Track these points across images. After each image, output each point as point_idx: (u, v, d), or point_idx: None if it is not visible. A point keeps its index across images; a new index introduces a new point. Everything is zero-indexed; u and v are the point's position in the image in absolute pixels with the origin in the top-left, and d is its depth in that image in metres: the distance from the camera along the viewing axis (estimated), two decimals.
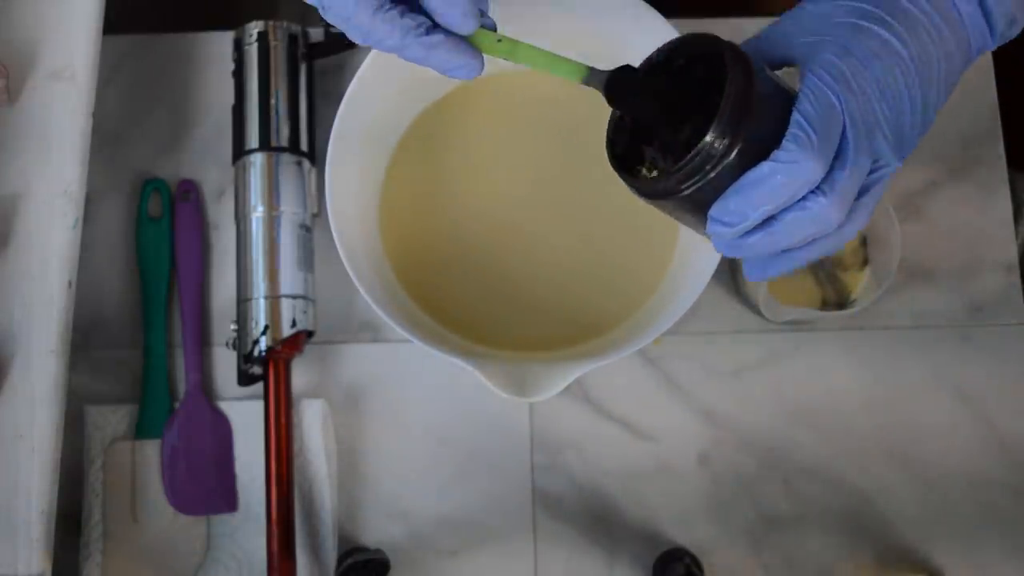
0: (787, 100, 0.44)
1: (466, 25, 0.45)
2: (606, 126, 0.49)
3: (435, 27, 0.45)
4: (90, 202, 0.69)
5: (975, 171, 0.75)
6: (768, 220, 0.43)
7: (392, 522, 0.70)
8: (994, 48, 0.49)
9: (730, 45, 0.44)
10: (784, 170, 0.42)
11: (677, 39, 0.46)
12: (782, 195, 0.42)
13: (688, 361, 0.72)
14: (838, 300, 0.70)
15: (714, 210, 0.43)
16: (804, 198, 0.43)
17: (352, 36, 0.46)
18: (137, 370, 0.71)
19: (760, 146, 0.42)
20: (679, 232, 0.69)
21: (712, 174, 0.42)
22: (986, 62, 0.76)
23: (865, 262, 0.71)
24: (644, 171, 0.47)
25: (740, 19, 0.77)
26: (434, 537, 0.70)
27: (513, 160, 0.71)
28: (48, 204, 0.64)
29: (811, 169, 0.42)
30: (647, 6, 0.64)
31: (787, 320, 0.72)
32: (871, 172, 0.45)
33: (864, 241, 0.71)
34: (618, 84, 0.46)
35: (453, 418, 0.71)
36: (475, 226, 0.70)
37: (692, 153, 0.42)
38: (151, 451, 0.69)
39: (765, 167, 0.42)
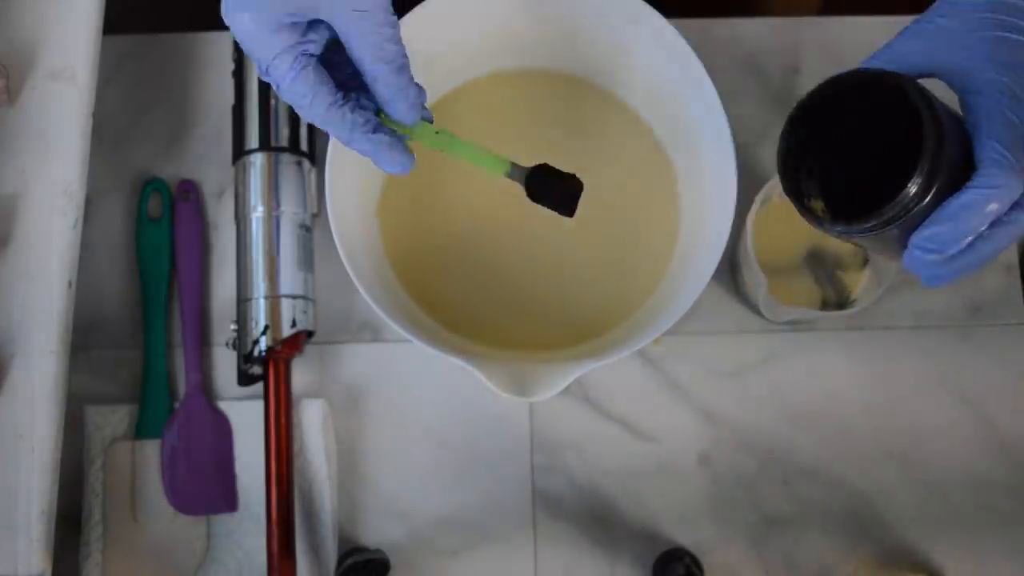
0: (957, 122, 0.46)
1: (411, 116, 0.50)
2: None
3: (380, 126, 0.50)
4: (90, 202, 0.69)
5: None
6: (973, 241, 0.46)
7: (392, 522, 0.70)
8: None
9: (911, 81, 0.45)
10: (995, 195, 0.44)
11: (847, 73, 0.47)
12: (991, 218, 0.44)
13: (688, 361, 0.72)
14: (838, 300, 0.70)
15: (920, 240, 0.45)
16: (1007, 214, 0.45)
17: (306, 120, 0.51)
18: (137, 370, 0.71)
19: (951, 177, 0.44)
20: (679, 232, 0.69)
21: (907, 216, 0.45)
22: None
23: (865, 262, 0.71)
24: (809, 202, 0.49)
25: (739, 19, 0.77)
26: (434, 537, 0.70)
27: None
28: (48, 204, 0.64)
29: (1017, 188, 0.44)
30: (647, 6, 0.64)
31: (787, 320, 0.72)
32: None
33: None
34: (535, 181, 0.54)
35: (453, 418, 0.71)
36: (475, 226, 0.70)
37: (894, 203, 0.44)
38: (151, 451, 0.69)
39: (975, 194, 0.44)
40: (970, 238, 0.45)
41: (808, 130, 0.49)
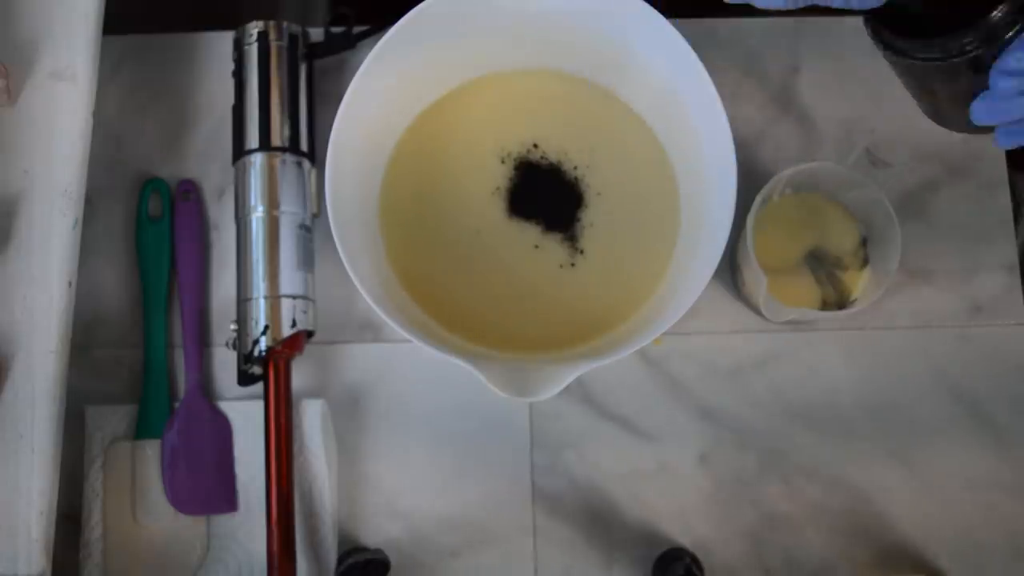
0: None
1: None
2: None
3: None
4: (90, 202, 0.69)
5: (975, 171, 0.75)
6: None
7: (392, 522, 0.70)
8: None
9: None
10: None
11: None
12: None
13: (688, 361, 0.72)
14: (838, 300, 0.70)
15: (1004, 63, 0.45)
16: None
17: None
18: (137, 370, 0.71)
19: None
20: (679, 232, 0.69)
21: (987, 43, 0.45)
22: None
23: (865, 262, 0.71)
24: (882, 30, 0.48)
25: (739, 19, 0.77)
26: (434, 537, 0.70)
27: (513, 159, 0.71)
28: (48, 204, 0.64)
29: None
30: (647, 6, 0.64)
31: (787, 320, 0.72)
32: None
33: (864, 241, 0.71)
34: None
35: (453, 418, 0.71)
36: (475, 226, 0.70)
37: (976, 26, 0.44)
38: (151, 451, 0.69)
39: None
40: None
41: None
